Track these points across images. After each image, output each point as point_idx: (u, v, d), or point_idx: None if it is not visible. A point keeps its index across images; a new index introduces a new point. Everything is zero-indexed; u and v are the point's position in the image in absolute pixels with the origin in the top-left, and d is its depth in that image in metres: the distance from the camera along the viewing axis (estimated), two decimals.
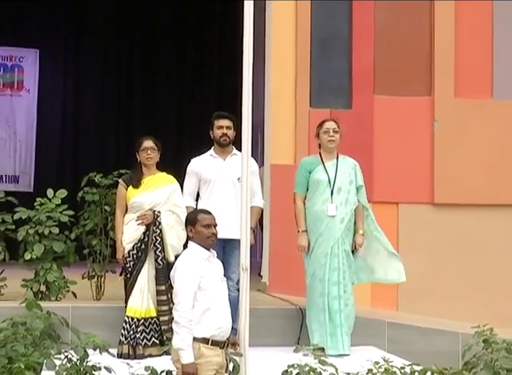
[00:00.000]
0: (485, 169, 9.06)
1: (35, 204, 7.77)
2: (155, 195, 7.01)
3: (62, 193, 7.83)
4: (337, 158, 7.28)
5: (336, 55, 8.97)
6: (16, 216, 7.76)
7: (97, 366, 5.71)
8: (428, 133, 9.06)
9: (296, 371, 5.66)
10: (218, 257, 5.73)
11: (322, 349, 6.69)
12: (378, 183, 7.94)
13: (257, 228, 8.16)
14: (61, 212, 7.70)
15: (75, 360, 5.75)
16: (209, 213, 5.69)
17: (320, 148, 7.32)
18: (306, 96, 8.89)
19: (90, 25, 14.90)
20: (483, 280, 8.92)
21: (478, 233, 9.00)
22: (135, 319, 6.85)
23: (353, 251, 7.23)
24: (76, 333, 6.02)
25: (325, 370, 5.66)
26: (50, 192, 7.84)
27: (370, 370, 5.84)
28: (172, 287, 5.52)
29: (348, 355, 6.98)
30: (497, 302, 8.88)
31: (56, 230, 7.64)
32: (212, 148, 7.32)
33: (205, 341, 5.27)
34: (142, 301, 6.89)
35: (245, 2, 6.01)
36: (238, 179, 6.58)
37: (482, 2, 9.19)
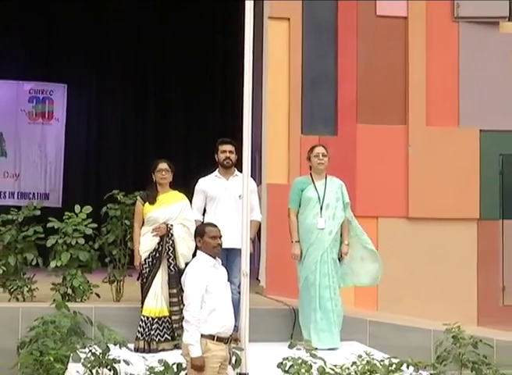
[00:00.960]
0: (451, 188, 9.03)
1: (63, 217, 7.71)
2: (169, 211, 6.97)
3: (88, 209, 7.78)
4: (326, 178, 7.25)
5: (323, 89, 8.95)
6: (47, 225, 7.69)
7: (117, 359, 5.68)
8: (403, 156, 9.04)
9: (290, 363, 5.64)
10: (222, 264, 5.70)
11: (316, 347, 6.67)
12: (360, 199, 7.92)
13: (256, 239, 8.11)
14: (86, 225, 7.65)
15: (98, 354, 5.72)
16: (215, 226, 5.67)
17: (311, 169, 7.30)
18: (298, 124, 8.87)
19: (110, 63, 14.95)
20: (451, 284, 8.88)
21: (445, 242, 8.97)
22: (150, 318, 6.79)
23: (339, 259, 7.20)
24: (101, 330, 5.97)
25: (315, 363, 5.64)
26: (77, 208, 7.79)
27: (354, 363, 5.80)
28: (183, 291, 5.51)
29: (338, 348, 6.93)
30: (463, 303, 8.84)
31: (82, 241, 7.58)
32: (217, 169, 7.29)
33: (211, 337, 5.25)
34: (156, 303, 6.84)
35: (246, 47, 6.02)
36: (239, 196, 6.57)
37: (450, 44, 9.20)
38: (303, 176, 7.50)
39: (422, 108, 9.10)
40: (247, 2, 5.92)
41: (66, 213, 7.75)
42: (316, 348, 6.60)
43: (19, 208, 8.14)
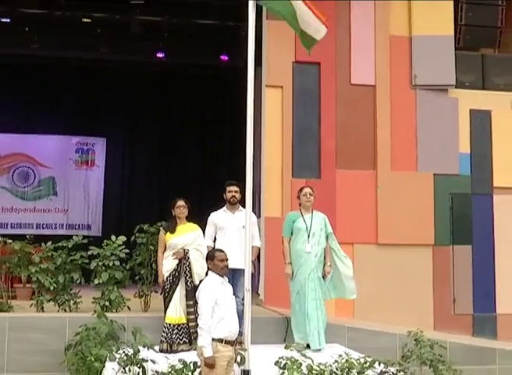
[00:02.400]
0: (412, 220, 8.98)
1: (102, 244, 7.69)
2: (185, 238, 6.95)
3: (122, 239, 7.75)
4: (312, 212, 7.22)
5: (309, 142, 8.94)
6: (89, 252, 7.67)
7: (145, 358, 5.68)
8: (373, 195, 9.01)
9: (285, 362, 5.63)
10: (229, 281, 5.69)
11: (306, 347, 6.63)
12: (340, 229, 7.90)
13: (256, 261, 8.08)
14: (120, 250, 7.63)
15: (130, 354, 5.70)
16: (222, 251, 5.69)
17: (300, 205, 7.27)
18: (289, 170, 8.86)
19: (140, 122, 15.11)
20: (412, 297, 8.81)
21: (407, 264, 8.90)
22: (171, 325, 6.74)
23: (323, 277, 7.16)
24: (135, 335, 5.95)
25: (304, 361, 5.63)
26: (113, 237, 7.76)
27: (336, 361, 5.80)
28: (197, 303, 5.49)
29: (323, 348, 6.87)
30: (422, 313, 8.76)
31: (117, 263, 7.56)
32: (225, 205, 7.28)
33: (220, 340, 5.25)
34: (176, 312, 6.80)
35: (248, 109, 6.06)
36: (243, 227, 6.59)
37: (409, 106, 9.24)
38: (294, 210, 7.48)
39: (388, 156, 9.09)
40: (249, 76, 5.99)
41: (105, 241, 7.74)
42: (307, 346, 6.62)
43: (67, 236, 8.13)
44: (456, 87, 9.38)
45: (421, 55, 9.27)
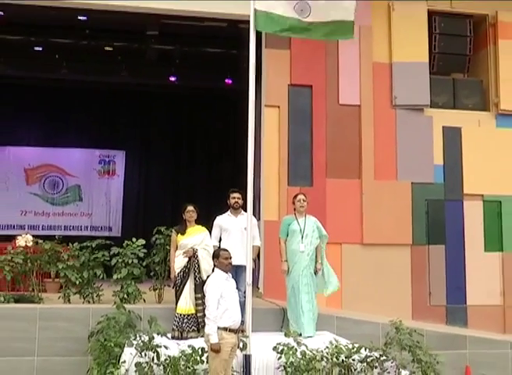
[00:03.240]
0: (392, 223, 8.95)
1: (123, 244, 7.65)
2: (194, 239, 6.93)
3: (141, 241, 7.70)
4: (305, 216, 7.21)
5: (303, 155, 8.91)
6: (111, 252, 7.64)
7: (159, 344, 5.65)
8: (359, 201, 8.98)
9: (282, 347, 5.61)
10: (232, 277, 5.68)
11: (299, 334, 6.58)
12: (329, 231, 7.82)
13: (256, 259, 8.06)
14: (139, 250, 7.60)
15: (145, 341, 5.67)
16: (226, 250, 5.70)
17: (295, 210, 7.27)
18: (285, 179, 8.83)
19: (155, 137, 15.10)
20: (393, 290, 8.76)
21: (389, 261, 8.86)
22: (182, 315, 6.72)
23: (315, 273, 7.14)
24: (150, 324, 5.93)
25: (299, 347, 5.61)
26: (134, 239, 7.70)
27: (326, 347, 5.77)
28: (205, 296, 5.48)
29: (314, 336, 6.84)
30: (401, 304, 8.71)
31: (135, 261, 7.52)
32: (229, 210, 7.28)
33: (225, 329, 5.26)
34: (186, 304, 6.77)
35: (249, 126, 6.06)
36: (245, 228, 6.59)
37: (390, 123, 9.22)
38: (289, 214, 7.46)
39: (371, 167, 9.06)
40: (250, 97, 5.99)
41: (126, 241, 7.70)
42: (300, 334, 6.59)
43: (91, 237, 8.11)
44: (430, 107, 9.37)
45: (400, 79, 9.27)
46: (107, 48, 12.40)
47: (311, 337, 6.76)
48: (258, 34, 6.16)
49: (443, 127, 9.39)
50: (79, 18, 10.00)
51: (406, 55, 9.29)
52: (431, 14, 9.53)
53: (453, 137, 9.39)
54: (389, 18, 9.37)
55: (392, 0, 9.38)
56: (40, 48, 12.34)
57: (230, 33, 10.02)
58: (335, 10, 5.72)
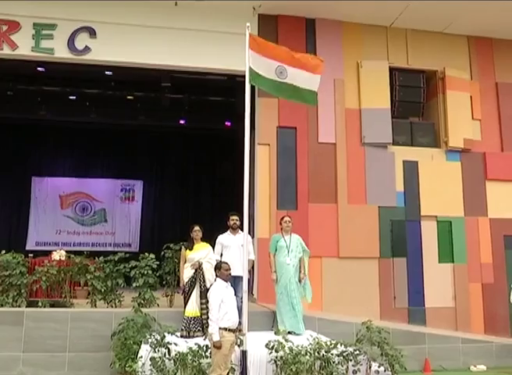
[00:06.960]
0: (364, 239, 8.95)
1: (139, 258, 7.63)
2: (200, 254, 6.92)
3: (152, 256, 7.64)
4: (290, 235, 7.22)
5: (289, 184, 8.94)
6: (130, 264, 7.62)
7: (170, 342, 5.60)
8: (335, 222, 8.98)
9: (272, 343, 5.55)
10: (231, 285, 5.65)
11: (288, 333, 6.53)
12: (311, 247, 7.84)
13: (251, 270, 8.03)
14: (153, 263, 7.57)
15: (158, 339, 5.61)
16: (226, 263, 5.68)
17: (281, 230, 7.28)
18: (274, 204, 8.84)
19: (167, 170, 15.06)
20: (364, 295, 8.74)
21: (360, 271, 8.84)
22: (189, 317, 6.69)
23: (299, 281, 7.10)
24: (160, 325, 5.87)
25: (287, 343, 5.55)
26: (147, 254, 7.67)
27: (310, 343, 5.73)
28: (208, 301, 5.44)
29: (302, 333, 6.79)
30: (371, 307, 8.69)
31: (150, 272, 7.49)
32: (228, 230, 7.28)
33: (225, 329, 5.22)
34: (193, 308, 6.75)
35: (245, 162, 6.07)
36: (241, 245, 6.58)
37: (359, 158, 9.26)
38: (277, 233, 7.46)
39: (345, 194, 9.09)
40: (245, 137, 6.02)
41: (141, 255, 7.67)
42: (289, 332, 6.54)
43: (114, 252, 8.05)
44: (393, 145, 9.44)
45: (368, 122, 9.36)
46: (128, 97, 12.52)
47: (298, 334, 6.73)
48: (252, 86, 6.22)
49: (403, 161, 9.46)
50: (105, 73, 10.11)
51: (372, 103, 9.40)
52: (392, 70, 9.70)
53: (411, 169, 9.46)
54: (358, 73, 9.53)
55: (361, 59, 9.55)
56: (74, 97, 12.46)
57: (229, 85, 10.13)
58: (304, 79, 5.87)
